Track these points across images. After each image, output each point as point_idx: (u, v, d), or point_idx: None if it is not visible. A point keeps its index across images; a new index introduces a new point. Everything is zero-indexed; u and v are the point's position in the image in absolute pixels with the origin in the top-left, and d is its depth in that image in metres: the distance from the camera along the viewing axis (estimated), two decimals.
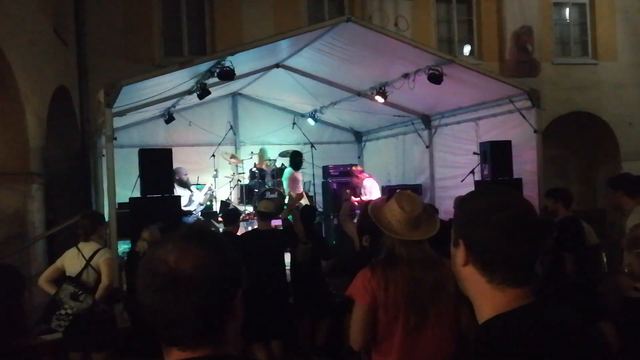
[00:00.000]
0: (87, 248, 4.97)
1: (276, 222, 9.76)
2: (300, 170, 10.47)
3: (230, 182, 10.54)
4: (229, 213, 7.14)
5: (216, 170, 10.34)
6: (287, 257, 6.29)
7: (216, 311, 1.21)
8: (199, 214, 9.31)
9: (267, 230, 5.90)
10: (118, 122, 8.15)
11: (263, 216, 5.89)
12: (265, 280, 5.51)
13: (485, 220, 1.36)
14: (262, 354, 5.59)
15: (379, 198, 6.11)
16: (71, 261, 4.96)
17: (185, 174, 9.28)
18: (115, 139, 7.02)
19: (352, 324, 2.84)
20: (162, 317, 1.20)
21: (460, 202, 1.51)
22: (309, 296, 6.26)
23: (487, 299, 1.38)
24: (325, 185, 11.31)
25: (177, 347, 1.22)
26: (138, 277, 1.24)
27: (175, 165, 8.03)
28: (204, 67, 7.77)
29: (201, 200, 9.48)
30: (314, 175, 10.74)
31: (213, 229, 5.74)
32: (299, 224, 6.22)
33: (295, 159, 9.97)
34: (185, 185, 9.25)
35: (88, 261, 4.89)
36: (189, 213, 8.94)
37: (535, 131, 8.13)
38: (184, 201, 8.70)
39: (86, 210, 7.41)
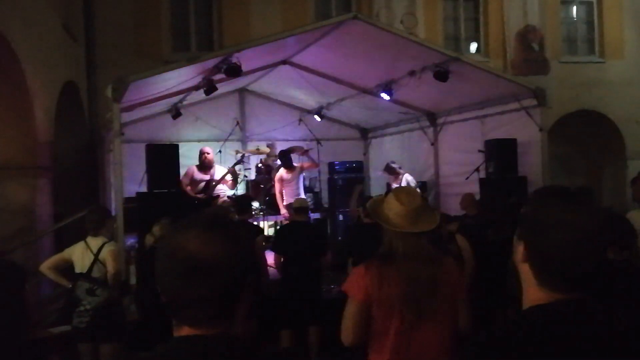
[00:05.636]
0: (95, 242, 5.02)
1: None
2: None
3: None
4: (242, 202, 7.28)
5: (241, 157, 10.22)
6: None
7: (230, 296, 1.31)
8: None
9: (304, 221, 6.57)
10: (126, 117, 8.19)
11: (298, 211, 6.48)
12: (305, 268, 6.00)
13: (550, 236, 1.38)
14: (289, 341, 5.88)
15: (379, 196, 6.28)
16: (80, 256, 5.01)
17: None
18: (123, 134, 7.06)
19: (344, 319, 2.79)
20: (179, 299, 1.29)
21: (533, 204, 1.52)
22: None
23: (531, 295, 1.43)
24: (330, 182, 11.34)
25: (189, 325, 1.31)
26: (157, 260, 1.32)
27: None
28: (210, 63, 7.81)
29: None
30: (320, 171, 10.76)
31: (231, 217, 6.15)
32: None
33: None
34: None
35: (96, 256, 4.96)
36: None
37: (540, 130, 8.14)
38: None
39: (93, 204, 7.47)
